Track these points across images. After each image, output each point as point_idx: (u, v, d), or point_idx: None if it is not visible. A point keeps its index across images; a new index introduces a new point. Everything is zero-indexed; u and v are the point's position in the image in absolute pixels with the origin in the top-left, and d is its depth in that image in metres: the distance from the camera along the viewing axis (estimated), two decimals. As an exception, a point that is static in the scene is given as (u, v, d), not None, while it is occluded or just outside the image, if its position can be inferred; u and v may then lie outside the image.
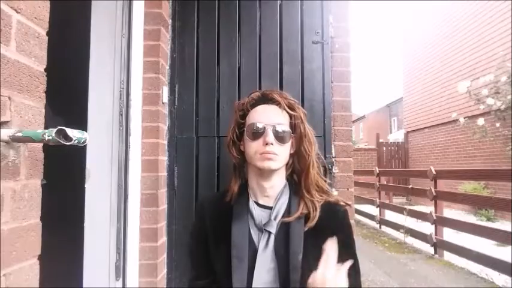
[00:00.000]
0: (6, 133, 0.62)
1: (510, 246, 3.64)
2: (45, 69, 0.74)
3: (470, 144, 9.28)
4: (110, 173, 1.58)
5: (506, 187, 7.00)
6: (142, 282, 1.62)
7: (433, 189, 5.05)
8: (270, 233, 1.04)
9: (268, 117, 1.09)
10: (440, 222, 4.94)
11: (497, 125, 7.25)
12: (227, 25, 1.87)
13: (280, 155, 1.07)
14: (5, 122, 0.63)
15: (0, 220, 0.61)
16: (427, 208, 5.87)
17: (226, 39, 1.87)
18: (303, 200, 1.07)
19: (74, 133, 0.62)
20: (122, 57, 1.62)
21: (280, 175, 1.11)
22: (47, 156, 0.75)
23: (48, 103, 0.77)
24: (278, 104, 1.11)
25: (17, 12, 0.65)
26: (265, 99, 1.13)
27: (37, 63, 0.71)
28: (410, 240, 5.56)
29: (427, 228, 5.20)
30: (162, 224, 1.74)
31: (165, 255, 1.77)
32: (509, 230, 3.72)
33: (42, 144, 0.71)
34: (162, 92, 1.73)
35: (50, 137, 0.62)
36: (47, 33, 0.74)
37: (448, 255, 4.70)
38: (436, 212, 5.01)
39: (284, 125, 1.09)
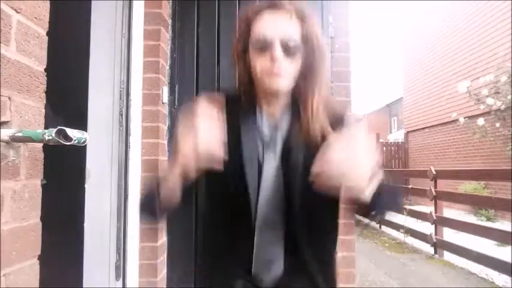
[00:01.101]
0: (6, 133, 0.62)
1: (510, 246, 3.64)
2: (45, 69, 0.74)
3: (470, 144, 9.28)
4: (110, 173, 1.58)
5: (506, 187, 7.00)
6: (142, 282, 1.62)
7: (433, 189, 5.04)
8: (275, 145, 0.98)
9: (276, 27, 0.93)
10: (440, 222, 4.94)
11: (497, 125, 7.25)
12: (227, 25, 1.87)
13: (289, 71, 0.94)
14: (5, 122, 0.63)
15: (0, 220, 0.61)
16: (427, 208, 5.86)
17: (226, 39, 1.87)
18: (306, 119, 0.96)
19: (74, 133, 0.62)
20: (122, 57, 1.62)
21: (286, 93, 0.99)
22: (47, 156, 0.75)
23: (48, 103, 0.77)
24: (287, 12, 0.95)
25: (17, 12, 0.65)
26: (273, 6, 0.96)
27: (37, 63, 0.71)
28: (410, 240, 5.56)
29: (427, 228, 5.20)
30: (162, 224, 1.74)
31: (165, 255, 1.77)
32: (509, 230, 3.72)
33: (42, 144, 0.71)
34: (162, 92, 1.73)
35: (50, 137, 0.62)
36: (47, 33, 0.74)
37: (448, 255, 4.70)
38: (436, 212, 5.01)
39: (294, 37, 0.93)
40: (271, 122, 1.01)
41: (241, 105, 1.01)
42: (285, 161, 0.96)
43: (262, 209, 0.94)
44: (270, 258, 0.95)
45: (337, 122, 0.98)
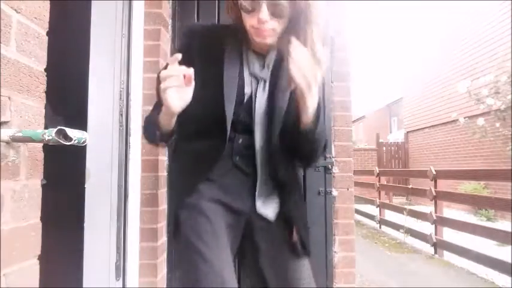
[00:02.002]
0: (6, 133, 0.62)
1: (510, 246, 3.64)
2: (45, 69, 0.74)
3: (470, 144, 9.28)
4: (110, 173, 1.58)
5: (506, 187, 7.00)
6: (142, 282, 1.62)
7: (433, 189, 5.04)
8: (264, 80, 1.08)
9: None
10: (440, 222, 4.94)
11: (497, 125, 7.25)
12: (227, 25, 1.88)
13: (276, 30, 1.00)
14: (5, 122, 0.63)
15: (0, 220, 0.61)
16: (427, 208, 5.86)
17: (226, 39, 1.87)
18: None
19: (74, 133, 0.62)
20: (122, 57, 1.62)
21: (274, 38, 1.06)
22: (47, 156, 0.75)
23: (48, 103, 0.77)
24: None
25: (17, 12, 0.65)
26: None
27: (37, 63, 0.71)
28: (410, 240, 5.56)
29: (427, 228, 5.20)
30: (162, 224, 1.74)
31: (165, 255, 1.77)
32: (509, 230, 3.72)
33: (42, 144, 0.72)
34: (162, 92, 1.73)
35: (50, 137, 0.62)
36: (47, 33, 0.74)
37: (448, 255, 4.70)
38: (436, 212, 5.01)
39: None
40: (260, 59, 1.10)
41: (226, 35, 1.11)
42: (271, 94, 1.08)
43: (257, 128, 1.07)
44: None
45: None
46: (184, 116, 1.01)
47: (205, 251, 0.96)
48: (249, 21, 1.00)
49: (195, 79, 0.97)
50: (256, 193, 1.08)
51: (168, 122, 1.00)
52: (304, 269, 1.09)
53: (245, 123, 1.08)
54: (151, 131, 1.05)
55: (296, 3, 0.98)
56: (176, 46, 1.86)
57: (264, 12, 0.96)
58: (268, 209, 1.09)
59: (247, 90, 1.09)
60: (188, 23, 1.87)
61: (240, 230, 1.09)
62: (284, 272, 1.08)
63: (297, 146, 1.07)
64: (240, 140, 1.08)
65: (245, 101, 1.08)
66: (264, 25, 0.98)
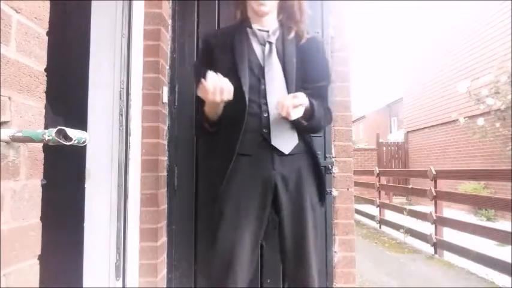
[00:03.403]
0: (6, 133, 0.62)
1: (510, 246, 3.64)
2: (45, 69, 0.74)
3: (470, 144, 9.27)
4: (110, 173, 1.58)
5: (506, 187, 6.99)
6: (142, 282, 1.62)
7: (433, 189, 5.04)
8: (271, 43, 1.33)
9: None
10: (440, 222, 4.94)
11: (497, 125, 7.24)
12: (227, 25, 1.88)
13: (273, 4, 1.32)
14: (5, 122, 0.63)
15: (0, 220, 0.61)
16: (427, 208, 5.86)
17: (226, 39, 1.87)
18: (292, 28, 1.36)
19: (74, 133, 0.62)
20: (122, 57, 1.62)
21: (272, 12, 1.36)
22: (47, 156, 0.75)
23: (48, 103, 0.77)
24: None
25: (17, 12, 0.65)
26: None
27: (37, 63, 0.71)
28: (410, 240, 5.56)
29: (427, 228, 5.19)
30: (162, 224, 1.74)
31: (165, 255, 1.77)
32: (509, 230, 3.72)
33: (42, 144, 0.72)
34: (162, 92, 1.73)
35: (50, 137, 0.62)
36: (47, 33, 0.74)
37: (448, 255, 4.70)
38: (436, 212, 5.01)
39: None
40: (264, 32, 1.35)
41: (234, 26, 1.39)
42: (282, 59, 1.32)
43: (271, 89, 1.29)
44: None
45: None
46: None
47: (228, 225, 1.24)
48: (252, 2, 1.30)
49: (214, 65, 1.26)
50: (271, 132, 1.27)
51: (214, 110, 1.26)
52: (317, 220, 1.32)
53: (262, 89, 1.29)
54: (201, 124, 1.33)
55: None
56: (176, 46, 1.86)
57: None
58: (282, 144, 1.28)
59: (258, 55, 1.32)
60: (188, 22, 1.87)
61: (269, 200, 1.28)
62: (302, 227, 1.27)
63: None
64: (266, 114, 1.28)
65: (256, 65, 1.31)
66: (263, 6, 1.29)
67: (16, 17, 0.65)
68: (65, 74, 1.74)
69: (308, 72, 1.35)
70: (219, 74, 1.15)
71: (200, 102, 1.26)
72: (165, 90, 1.78)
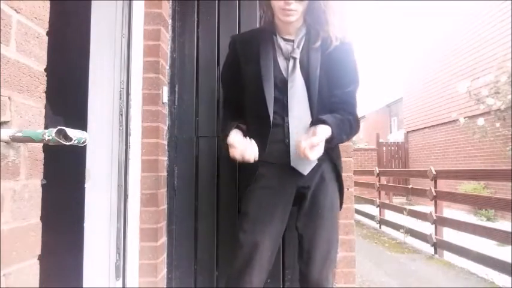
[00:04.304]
0: (6, 133, 0.62)
1: (510, 246, 3.64)
2: (45, 69, 0.74)
3: (470, 144, 9.27)
4: (110, 173, 1.58)
5: (506, 187, 7.00)
6: (142, 282, 1.62)
7: (433, 189, 5.04)
8: (295, 58, 1.33)
9: None
10: (440, 222, 4.94)
11: (497, 125, 7.24)
12: (227, 25, 1.88)
13: (298, 10, 1.28)
14: (5, 122, 0.63)
15: (0, 220, 0.61)
16: (427, 208, 5.86)
17: (226, 39, 1.87)
18: (319, 34, 1.35)
19: (74, 133, 0.62)
20: (122, 57, 1.62)
21: (299, 19, 1.34)
22: (47, 156, 0.75)
23: (48, 103, 0.77)
24: None
25: (17, 12, 0.65)
26: None
27: (37, 63, 0.71)
28: (410, 240, 5.56)
29: (427, 228, 5.19)
30: (162, 224, 1.74)
31: (165, 255, 1.77)
32: (509, 230, 3.72)
33: (42, 144, 0.71)
34: (162, 92, 1.73)
35: (50, 137, 0.62)
36: (47, 33, 0.74)
37: (448, 255, 4.70)
38: (436, 212, 5.01)
39: None
40: (289, 40, 1.36)
41: (260, 33, 1.41)
42: (306, 72, 1.33)
43: (292, 104, 1.31)
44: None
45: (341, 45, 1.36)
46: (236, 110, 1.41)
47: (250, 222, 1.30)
48: (277, 4, 1.28)
49: (240, 74, 1.39)
50: (291, 155, 1.30)
51: None
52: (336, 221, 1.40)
53: (285, 103, 1.31)
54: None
55: None
56: (176, 46, 1.86)
57: None
58: (301, 165, 1.30)
59: (282, 69, 1.33)
60: (188, 22, 1.87)
61: (291, 204, 1.34)
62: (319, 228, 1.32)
63: None
64: (287, 127, 1.31)
65: (280, 80, 1.32)
66: (290, 5, 1.25)
67: (16, 17, 0.65)
68: (65, 74, 1.74)
69: (335, 79, 1.35)
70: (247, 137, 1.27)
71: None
72: (165, 90, 1.78)
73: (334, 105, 1.34)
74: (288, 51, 1.35)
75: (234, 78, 1.43)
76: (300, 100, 1.31)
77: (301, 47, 1.35)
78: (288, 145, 1.31)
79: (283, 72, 1.33)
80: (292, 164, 1.30)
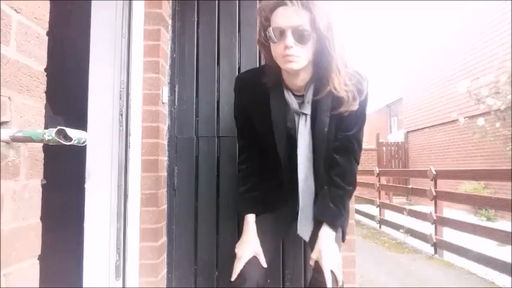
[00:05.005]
0: (6, 133, 0.62)
1: (510, 246, 3.64)
2: (45, 69, 0.74)
3: (470, 144, 9.27)
4: (110, 173, 1.58)
5: (506, 187, 7.00)
6: (142, 282, 1.62)
7: (433, 189, 5.04)
8: (306, 114, 1.24)
9: (287, 19, 1.10)
10: (440, 222, 4.94)
11: (497, 125, 7.23)
12: (227, 25, 1.88)
13: (301, 56, 1.13)
14: (5, 122, 0.63)
15: (0, 220, 0.61)
16: (427, 208, 5.86)
17: (226, 39, 1.87)
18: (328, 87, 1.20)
19: (74, 133, 0.62)
20: (122, 57, 1.62)
21: (306, 70, 1.21)
22: (47, 156, 0.75)
23: (48, 103, 0.77)
24: (296, 5, 1.11)
25: (17, 12, 0.65)
26: (284, 3, 1.12)
27: (37, 63, 0.71)
28: (410, 240, 5.56)
29: (427, 228, 5.19)
30: (162, 224, 1.74)
31: (165, 255, 1.77)
32: (509, 230, 3.72)
33: (42, 144, 0.71)
34: (162, 92, 1.73)
35: (50, 137, 0.62)
36: (47, 33, 0.74)
37: (448, 255, 4.70)
38: (436, 212, 5.01)
39: (303, 26, 1.10)
40: (298, 95, 1.26)
41: (269, 81, 1.25)
42: (313, 126, 1.25)
43: (300, 165, 1.26)
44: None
45: (358, 91, 1.24)
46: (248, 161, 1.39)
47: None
48: (277, 50, 1.14)
49: (250, 124, 1.34)
50: (298, 222, 1.29)
51: None
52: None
53: (292, 159, 1.27)
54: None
55: (316, 25, 1.10)
56: (176, 46, 1.86)
57: (289, 38, 1.10)
58: (304, 231, 1.31)
59: (290, 125, 1.27)
60: (188, 22, 1.87)
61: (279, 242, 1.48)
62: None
63: None
64: (295, 183, 1.27)
65: (291, 138, 1.27)
66: (290, 50, 1.11)
67: (16, 17, 0.65)
68: (65, 74, 1.74)
69: (342, 123, 1.27)
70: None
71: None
72: (165, 90, 1.78)
73: (335, 150, 1.30)
74: (298, 106, 1.25)
75: (248, 121, 1.37)
76: (306, 158, 1.27)
77: (310, 103, 1.25)
78: (296, 208, 1.30)
79: (292, 128, 1.27)
80: (298, 231, 1.30)
